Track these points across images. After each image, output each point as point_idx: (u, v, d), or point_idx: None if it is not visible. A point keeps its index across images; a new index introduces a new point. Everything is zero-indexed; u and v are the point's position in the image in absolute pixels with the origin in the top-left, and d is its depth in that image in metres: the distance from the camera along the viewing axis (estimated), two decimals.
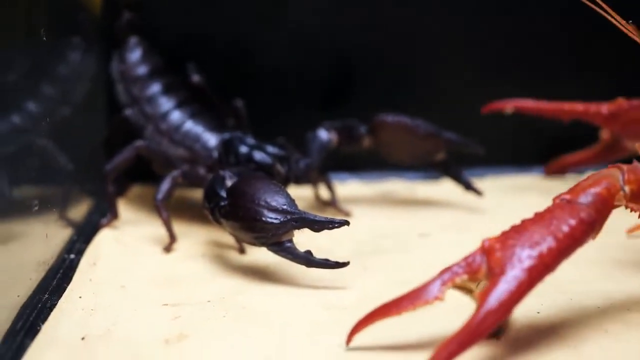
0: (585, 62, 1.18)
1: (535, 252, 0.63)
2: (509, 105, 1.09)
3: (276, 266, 0.85)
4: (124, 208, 1.03)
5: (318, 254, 0.81)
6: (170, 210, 0.93)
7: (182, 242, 0.93)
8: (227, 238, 0.91)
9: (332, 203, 1.04)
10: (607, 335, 0.69)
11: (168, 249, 0.91)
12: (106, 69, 1.06)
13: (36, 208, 0.81)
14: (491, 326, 0.61)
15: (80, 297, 0.79)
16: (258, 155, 0.94)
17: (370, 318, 0.66)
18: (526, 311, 0.71)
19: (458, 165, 1.07)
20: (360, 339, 0.67)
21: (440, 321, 0.68)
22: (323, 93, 1.19)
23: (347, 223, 0.80)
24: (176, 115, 1.01)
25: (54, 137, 0.86)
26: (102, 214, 0.99)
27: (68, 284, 0.82)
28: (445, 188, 1.12)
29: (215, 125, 1.01)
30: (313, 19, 1.16)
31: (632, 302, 0.76)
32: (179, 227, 0.94)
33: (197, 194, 0.99)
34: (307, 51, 1.17)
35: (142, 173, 1.03)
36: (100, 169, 0.98)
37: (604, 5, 0.79)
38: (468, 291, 0.66)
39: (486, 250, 0.65)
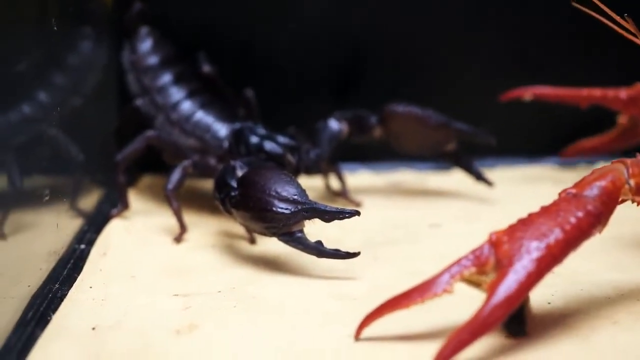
0: (598, 45, 1.16)
1: (543, 244, 0.64)
2: (528, 93, 1.08)
3: (287, 256, 0.85)
4: (134, 198, 1.03)
5: (328, 244, 0.81)
6: (180, 200, 0.93)
7: (192, 232, 0.93)
8: (237, 228, 0.91)
9: (342, 193, 1.04)
10: (617, 326, 0.69)
11: (178, 239, 0.91)
12: (117, 58, 1.06)
13: (47, 198, 0.81)
14: (502, 316, 0.61)
15: (90, 287, 0.79)
16: (269, 145, 0.94)
17: (379, 311, 0.66)
18: (537, 302, 0.71)
19: (469, 156, 1.06)
20: (370, 329, 0.67)
21: (450, 312, 0.68)
22: (334, 83, 1.18)
23: (357, 213, 0.80)
24: (187, 105, 1.01)
25: (64, 127, 0.86)
26: (113, 204, 0.99)
27: (78, 274, 0.82)
28: (456, 178, 1.11)
29: (225, 116, 1.01)
30: (326, 7, 1.16)
31: None
32: (189, 217, 0.94)
33: (208, 184, 0.99)
34: (318, 40, 1.16)
35: (153, 163, 1.03)
36: (110, 159, 0.98)
37: (600, 5, 0.79)
38: (476, 284, 0.67)
39: (494, 243, 0.65)
